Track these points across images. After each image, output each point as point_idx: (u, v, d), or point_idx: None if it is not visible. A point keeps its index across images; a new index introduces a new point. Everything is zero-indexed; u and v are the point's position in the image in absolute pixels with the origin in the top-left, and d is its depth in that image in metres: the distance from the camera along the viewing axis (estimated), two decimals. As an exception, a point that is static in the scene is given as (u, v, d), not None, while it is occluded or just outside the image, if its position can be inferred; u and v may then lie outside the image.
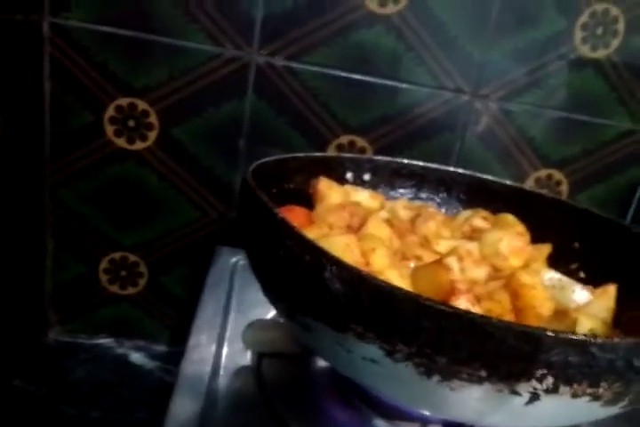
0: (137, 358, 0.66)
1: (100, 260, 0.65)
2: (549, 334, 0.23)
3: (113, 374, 0.63)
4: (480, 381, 0.24)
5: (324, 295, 0.26)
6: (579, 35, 0.62)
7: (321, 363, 0.42)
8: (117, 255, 0.65)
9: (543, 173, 0.68)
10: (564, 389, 0.24)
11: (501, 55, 0.62)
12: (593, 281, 0.43)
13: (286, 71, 0.60)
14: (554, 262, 0.45)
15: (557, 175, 0.68)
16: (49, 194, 0.62)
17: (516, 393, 0.24)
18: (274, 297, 0.32)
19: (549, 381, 0.24)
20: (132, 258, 0.66)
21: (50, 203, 0.62)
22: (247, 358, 0.41)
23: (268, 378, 0.39)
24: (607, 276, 0.42)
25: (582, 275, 0.45)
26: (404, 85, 0.62)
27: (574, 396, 0.24)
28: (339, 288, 0.26)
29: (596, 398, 0.25)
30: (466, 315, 0.23)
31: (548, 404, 0.25)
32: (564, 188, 0.69)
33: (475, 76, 0.63)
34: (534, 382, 0.24)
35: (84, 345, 0.67)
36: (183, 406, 0.35)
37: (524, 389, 0.24)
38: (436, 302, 0.23)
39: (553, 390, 0.24)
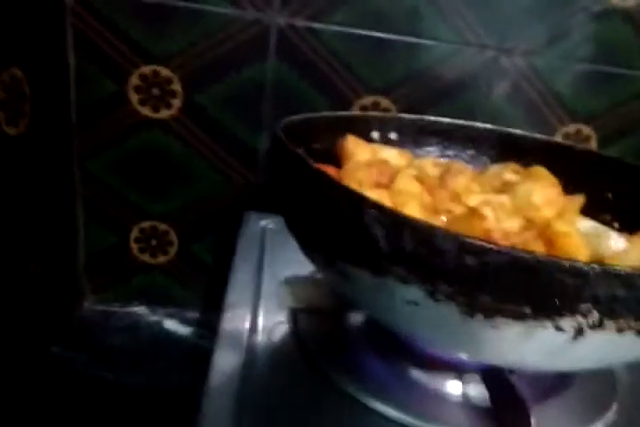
0: (170, 324, 0.67)
1: (130, 229, 0.66)
2: (596, 267, 0.23)
3: (148, 340, 0.65)
4: (523, 317, 0.24)
5: (363, 240, 0.26)
6: (607, -17, 0.60)
7: (356, 318, 0.42)
8: (147, 224, 0.66)
9: (571, 128, 0.66)
10: (609, 323, 0.24)
11: (526, 7, 0.60)
12: (627, 231, 0.42)
13: (308, 32, 0.59)
14: (586, 214, 0.44)
15: (586, 130, 0.67)
16: (78, 165, 0.62)
17: (559, 329, 0.24)
18: (311, 248, 0.33)
19: (594, 315, 0.24)
20: (162, 227, 0.66)
21: (79, 174, 0.63)
22: (283, 315, 0.42)
23: (305, 333, 0.39)
24: (642, 225, 0.41)
25: (616, 225, 0.45)
26: (427, 42, 0.61)
27: (619, 331, 0.24)
28: (379, 232, 0.26)
29: (641, 332, 0.25)
30: (510, 251, 0.23)
31: (592, 340, 0.25)
32: (593, 143, 0.67)
33: (499, 30, 0.61)
34: (579, 318, 0.24)
35: (118, 313, 0.68)
36: (225, 362, 0.35)
37: (569, 324, 0.24)
38: (478, 238, 0.23)
39: (598, 326, 0.24)
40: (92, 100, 0.60)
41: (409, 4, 0.59)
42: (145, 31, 0.58)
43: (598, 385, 0.38)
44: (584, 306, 0.23)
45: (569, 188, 0.45)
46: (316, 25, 0.59)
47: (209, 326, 0.67)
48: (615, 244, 0.38)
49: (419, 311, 0.27)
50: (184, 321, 0.68)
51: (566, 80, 0.64)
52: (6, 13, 0.46)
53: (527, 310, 0.24)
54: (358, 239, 0.27)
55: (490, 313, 0.25)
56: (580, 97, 0.65)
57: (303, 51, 0.60)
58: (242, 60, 0.60)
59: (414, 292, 0.26)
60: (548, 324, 0.24)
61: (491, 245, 0.23)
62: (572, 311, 0.24)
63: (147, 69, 0.59)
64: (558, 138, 0.66)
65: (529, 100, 0.64)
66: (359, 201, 0.26)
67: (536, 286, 0.23)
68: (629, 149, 0.68)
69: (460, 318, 0.25)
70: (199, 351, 0.64)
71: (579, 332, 0.24)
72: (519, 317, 0.24)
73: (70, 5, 0.56)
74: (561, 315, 0.24)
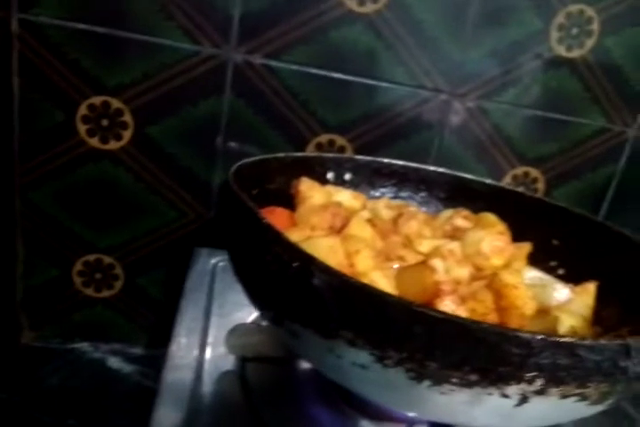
0: (114, 362, 0.64)
1: (73, 262, 0.63)
2: (539, 337, 0.23)
3: (89, 379, 0.62)
4: (470, 385, 0.24)
5: (312, 302, 0.26)
6: (554, 35, 0.63)
7: (304, 366, 0.41)
8: (92, 257, 0.64)
9: (520, 170, 0.69)
10: (552, 390, 0.24)
11: (479, 55, 0.63)
12: (572, 278, 0.43)
13: (264, 69, 0.59)
14: (533, 260, 0.45)
15: (534, 172, 0.69)
16: (19, 196, 0.60)
17: (505, 396, 0.24)
18: (260, 303, 0.32)
19: (538, 383, 0.24)
20: (108, 260, 0.64)
21: (20, 205, 0.60)
22: (230, 362, 0.40)
23: (252, 382, 0.38)
24: (586, 272, 0.42)
25: (561, 272, 0.46)
26: (384, 84, 0.62)
27: (562, 397, 0.25)
28: (328, 295, 0.25)
29: (583, 398, 0.25)
30: (458, 321, 0.23)
31: (536, 405, 0.25)
32: (541, 185, 0.70)
33: (453, 75, 0.63)
34: (524, 385, 0.24)
35: (57, 350, 0.65)
36: (167, 414, 0.34)
37: (514, 391, 0.24)
38: (427, 307, 0.23)
39: (542, 392, 0.24)
40: (37, 129, 0.58)
41: (366, 47, 0.60)
42: (96, 62, 0.56)
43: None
44: (528, 374, 0.23)
45: (516, 233, 0.46)
46: (273, 63, 0.59)
47: (154, 364, 0.65)
48: (559, 294, 0.39)
49: (368, 374, 0.26)
50: (128, 358, 0.65)
51: (516, 124, 0.66)
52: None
53: (474, 378, 0.24)
54: (307, 301, 0.26)
55: (438, 380, 0.24)
56: (528, 141, 0.67)
57: (259, 87, 0.60)
58: (197, 94, 0.59)
59: (363, 356, 0.25)
60: (494, 391, 0.24)
61: (438, 315, 0.23)
62: (517, 379, 0.24)
63: (97, 100, 0.58)
64: (507, 179, 0.68)
65: (480, 142, 0.66)
66: (308, 263, 0.26)
67: (482, 354, 0.23)
68: (575, 192, 0.70)
69: (408, 383, 0.25)
70: (144, 390, 0.62)
71: (523, 398, 0.25)
72: (466, 384, 0.24)
73: (16, 32, 0.54)
74: (506, 383, 0.24)
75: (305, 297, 0.26)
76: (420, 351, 0.24)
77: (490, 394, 0.24)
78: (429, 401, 0.26)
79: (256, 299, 0.32)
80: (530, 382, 0.24)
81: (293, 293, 0.27)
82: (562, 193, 0.70)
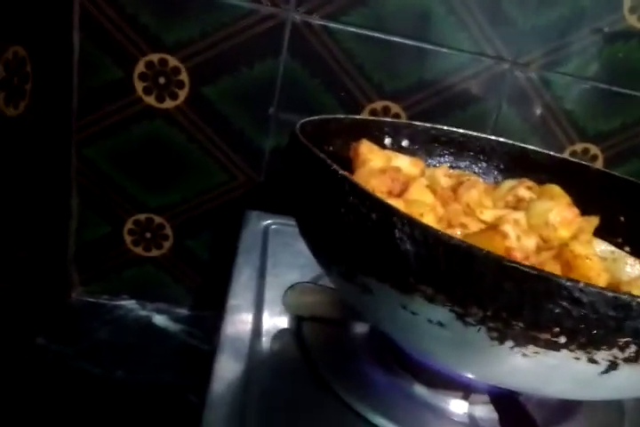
0: (160, 320, 0.65)
1: (124, 220, 0.64)
2: (638, 300, 0.22)
3: (136, 335, 0.63)
4: (557, 347, 0.23)
5: (392, 255, 0.25)
6: (627, 4, 0.60)
7: (359, 329, 0.41)
8: (143, 217, 0.64)
9: (579, 146, 0.66)
10: (645, 358, 0.23)
11: (545, 23, 0.60)
12: (639, 255, 0.42)
13: (323, 31, 0.58)
14: (598, 236, 0.43)
15: (594, 149, 0.66)
16: (75, 152, 0.60)
17: (593, 362, 0.24)
18: (329, 258, 0.31)
19: (631, 349, 0.23)
20: (158, 220, 0.64)
21: (76, 161, 0.61)
22: (286, 321, 0.40)
23: (308, 341, 0.38)
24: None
25: (628, 249, 0.44)
26: (443, 50, 0.60)
27: (654, 365, 0.24)
28: (410, 248, 0.25)
29: (675, 369, 0.24)
30: (551, 278, 0.22)
31: (623, 374, 0.24)
32: (600, 163, 0.67)
33: (516, 43, 0.60)
34: (615, 351, 0.23)
35: (106, 306, 0.66)
36: (227, 367, 0.34)
37: (603, 357, 0.23)
38: (519, 263, 0.22)
39: (634, 360, 0.23)
40: (95, 85, 0.58)
41: (428, 11, 0.58)
42: (155, 18, 0.56)
43: (607, 407, 0.38)
44: (623, 339, 0.22)
45: (580, 208, 0.45)
46: (332, 24, 0.58)
47: (199, 324, 0.66)
48: (632, 269, 0.37)
49: (443, 333, 0.26)
50: (174, 318, 0.66)
51: (579, 98, 0.63)
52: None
53: (562, 340, 0.23)
54: (386, 254, 0.26)
55: (522, 341, 0.24)
56: (590, 116, 0.64)
57: (316, 49, 0.59)
58: (254, 54, 0.58)
59: (442, 313, 0.25)
60: (583, 355, 0.23)
61: (532, 271, 0.22)
62: (610, 344, 0.23)
63: (154, 57, 0.57)
64: (566, 155, 0.66)
65: (539, 115, 0.64)
66: (390, 214, 0.25)
67: (576, 316, 0.22)
68: (636, 171, 0.68)
69: (489, 344, 0.24)
70: (189, 349, 0.63)
71: (612, 366, 0.24)
72: (553, 347, 0.23)
73: (78, -15, 0.54)
74: (597, 347, 0.23)
75: (384, 250, 0.26)
76: (507, 309, 0.23)
77: (577, 358, 0.23)
78: (507, 364, 0.25)
79: (325, 254, 0.31)
80: (622, 347, 0.23)
81: (371, 245, 0.26)
82: (621, 172, 0.67)
